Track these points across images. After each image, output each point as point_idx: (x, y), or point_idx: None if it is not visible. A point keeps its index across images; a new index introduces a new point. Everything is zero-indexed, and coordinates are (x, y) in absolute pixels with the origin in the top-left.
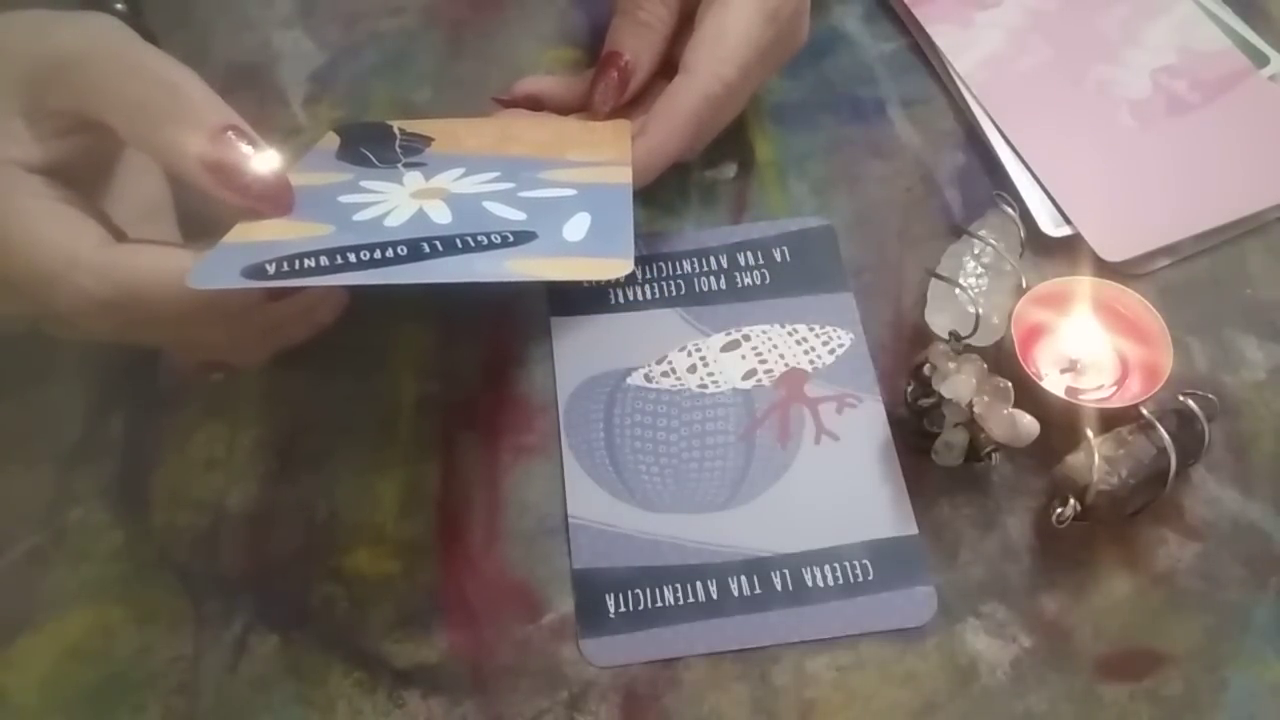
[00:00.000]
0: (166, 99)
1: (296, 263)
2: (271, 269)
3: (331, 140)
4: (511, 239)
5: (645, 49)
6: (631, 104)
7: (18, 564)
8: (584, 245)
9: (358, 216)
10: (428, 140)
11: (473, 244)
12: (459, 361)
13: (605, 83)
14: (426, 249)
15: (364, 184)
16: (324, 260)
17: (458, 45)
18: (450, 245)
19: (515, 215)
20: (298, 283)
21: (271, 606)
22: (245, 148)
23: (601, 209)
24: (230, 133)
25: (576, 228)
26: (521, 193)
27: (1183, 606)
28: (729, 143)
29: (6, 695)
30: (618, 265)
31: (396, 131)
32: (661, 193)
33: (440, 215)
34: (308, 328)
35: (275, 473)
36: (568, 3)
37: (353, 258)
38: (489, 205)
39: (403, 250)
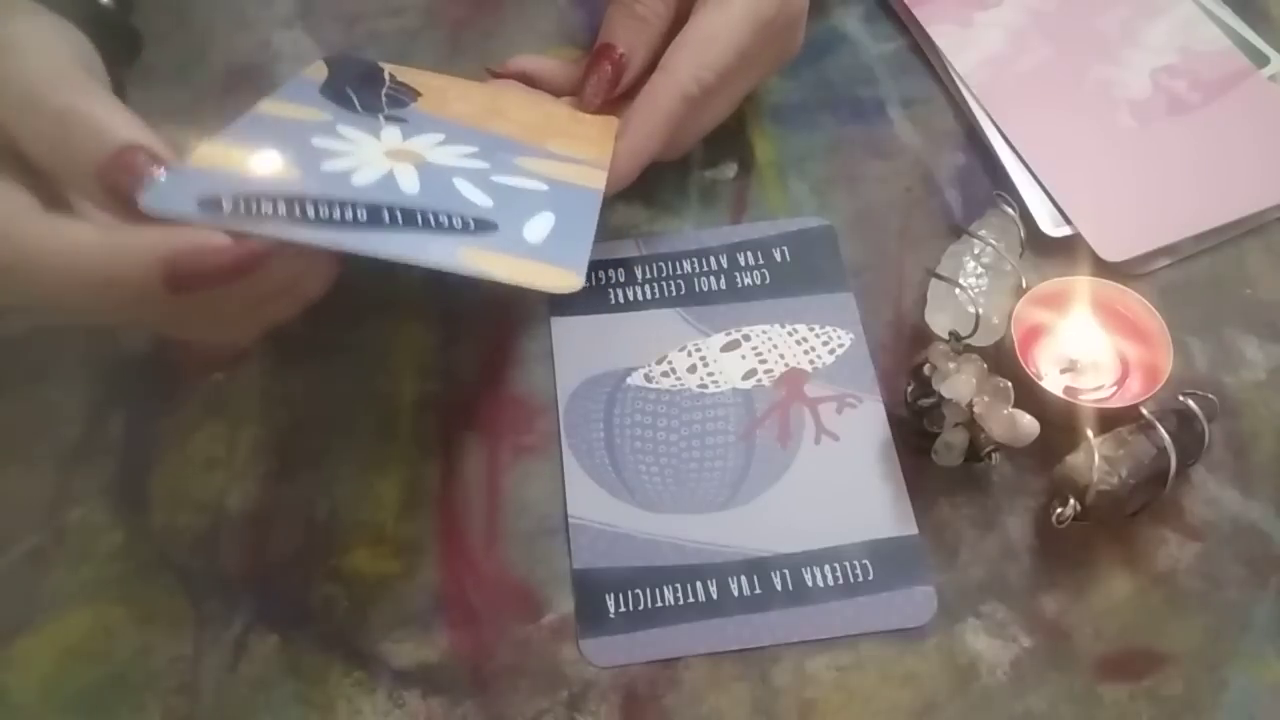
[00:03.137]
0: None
1: (254, 205)
2: (228, 205)
3: (320, 71)
4: (473, 226)
5: (641, 44)
6: (623, 98)
7: (18, 564)
8: (540, 249)
9: (326, 166)
10: (415, 94)
11: (433, 223)
12: (459, 361)
13: (598, 75)
14: (386, 218)
15: (340, 129)
16: (282, 208)
17: (458, 45)
18: (410, 219)
19: (482, 200)
20: (250, 228)
21: (271, 606)
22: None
23: (567, 212)
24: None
25: (538, 228)
26: (494, 177)
27: (1183, 606)
28: (729, 143)
29: (6, 695)
30: (568, 279)
31: (386, 77)
32: (661, 193)
33: (409, 183)
34: (295, 302)
35: (275, 472)
36: (568, 2)
37: (311, 212)
38: (459, 183)
39: (362, 215)
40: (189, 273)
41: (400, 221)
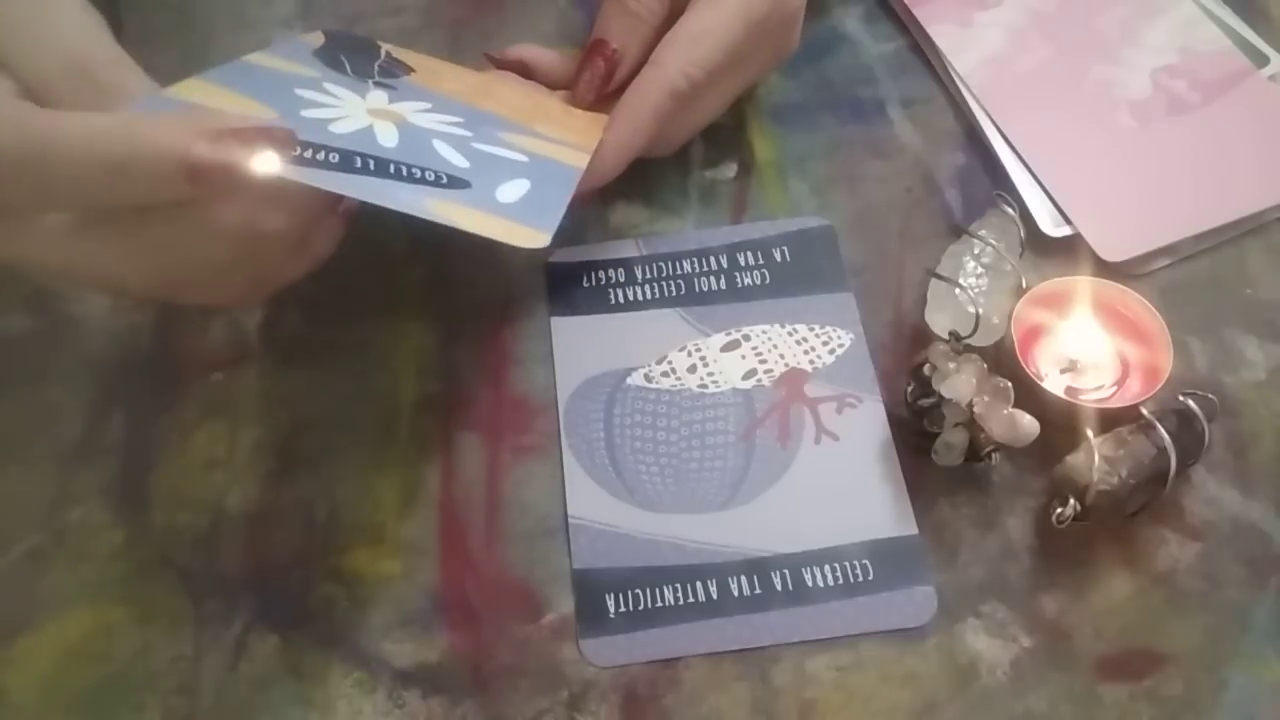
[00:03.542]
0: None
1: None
2: None
3: (316, 38)
4: (445, 181)
5: (634, 40)
6: (615, 94)
7: (18, 564)
8: (511, 209)
9: (306, 113)
10: (409, 70)
11: (404, 174)
12: (459, 361)
13: (591, 71)
14: (358, 164)
15: (327, 85)
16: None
17: (458, 45)
18: (383, 168)
19: (459, 161)
20: None
21: (271, 606)
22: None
23: (543, 182)
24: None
25: (511, 191)
26: (475, 144)
27: (1183, 606)
28: (729, 143)
29: (6, 695)
30: (535, 236)
31: (382, 52)
32: (661, 193)
33: (387, 138)
34: (305, 261)
35: (275, 473)
36: (568, 2)
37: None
38: (438, 144)
39: (334, 158)
40: (212, 145)
41: (372, 169)
